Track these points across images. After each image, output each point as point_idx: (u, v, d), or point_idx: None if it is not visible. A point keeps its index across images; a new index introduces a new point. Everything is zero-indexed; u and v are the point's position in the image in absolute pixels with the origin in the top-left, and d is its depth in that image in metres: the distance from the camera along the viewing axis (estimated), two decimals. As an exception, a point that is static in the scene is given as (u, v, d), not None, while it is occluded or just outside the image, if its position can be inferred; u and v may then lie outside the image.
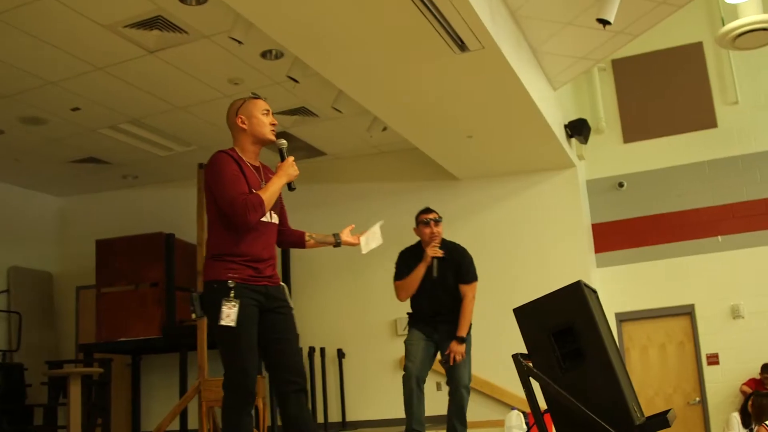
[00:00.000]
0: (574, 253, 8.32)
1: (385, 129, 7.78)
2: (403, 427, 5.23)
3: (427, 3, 4.83)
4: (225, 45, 6.06)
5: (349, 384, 8.62)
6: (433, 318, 5.40)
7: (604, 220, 8.78)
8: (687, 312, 8.34)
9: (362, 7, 4.92)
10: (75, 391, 6.75)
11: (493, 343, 8.15)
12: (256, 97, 3.76)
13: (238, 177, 3.43)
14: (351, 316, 8.82)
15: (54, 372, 7.79)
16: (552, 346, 3.13)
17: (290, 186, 3.57)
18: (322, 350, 8.65)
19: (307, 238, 3.89)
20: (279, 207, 3.74)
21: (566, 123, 8.20)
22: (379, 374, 8.52)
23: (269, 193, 3.44)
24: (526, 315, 3.27)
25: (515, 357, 3.11)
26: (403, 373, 5.25)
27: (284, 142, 3.65)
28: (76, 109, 7.12)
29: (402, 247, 5.53)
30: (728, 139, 8.51)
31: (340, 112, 7.02)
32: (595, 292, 3.51)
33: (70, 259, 9.89)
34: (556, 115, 7.64)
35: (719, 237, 8.34)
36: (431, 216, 5.39)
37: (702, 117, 8.67)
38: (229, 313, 3.33)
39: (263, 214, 3.43)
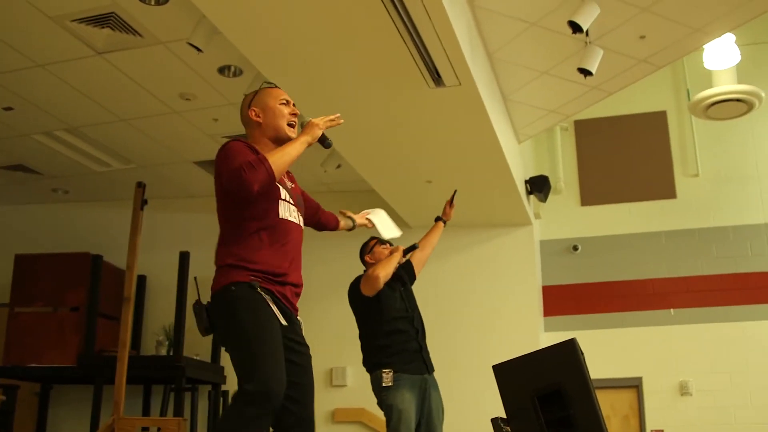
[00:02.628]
0: (523, 314, 8.01)
1: (339, 166, 7.40)
2: None
3: (409, 28, 4.49)
4: (181, 54, 5.61)
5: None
6: (419, 344, 4.83)
7: (555, 283, 8.50)
8: (634, 385, 8.05)
9: (341, 26, 4.58)
10: (-28, 418, 6.08)
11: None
12: (272, 85, 3.23)
13: (249, 154, 2.84)
14: (343, 338, 8.27)
15: (-50, 395, 7.09)
16: (536, 411, 2.71)
17: (325, 142, 3.05)
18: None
19: (341, 220, 3.75)
20: (304, 204, 3.25)
21: (527, 179, 7.95)
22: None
23: (280, 150, 2.85)
24: (507, 373, 2.86)
25: (494, 421, 2.69)
26: None
27: (306, 117, 3.10)
28: (8, 108, 6.53)
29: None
30: (687, 211, 8.35)
31: (295, 140, 6.60)
32: (583, 354, 3.12)
33: (-16, 274, 9.16)
34: (518, 169, 7.37)
35: (672, 310, 8.12)
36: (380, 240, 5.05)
37: (662, 186, 8.52)
38: (277, 311, 2.78)
39: (267, 176, 2.76)
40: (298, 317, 3.02)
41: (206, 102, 6.34)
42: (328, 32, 4.65)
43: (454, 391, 7.76)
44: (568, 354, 2.78)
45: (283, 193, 3.03)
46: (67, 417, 8.39)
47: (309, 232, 3.40)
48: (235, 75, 5.95)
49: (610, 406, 8.11)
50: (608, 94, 6.58)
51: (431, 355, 4.95)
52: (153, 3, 4.98)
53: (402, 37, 4.58)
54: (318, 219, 3.57)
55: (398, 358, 4.65)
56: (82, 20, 5.18)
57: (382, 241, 5.09)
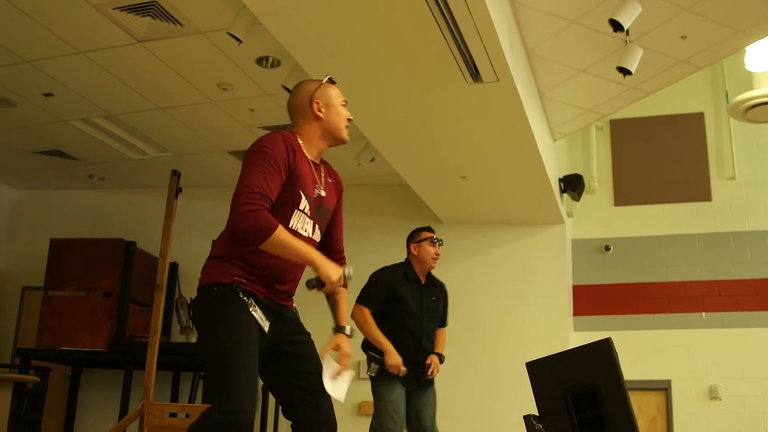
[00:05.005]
0: (553, 313, 7.98)
1: (373, 160, 7.40)
2: None
3: (449, 23, 4.47)
4: (219, 44, 5.64)
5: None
6: (418, 359, 4.87)
7: (586, 283, 8.45)
8: (663, 387, 7.97)
9: (382, 21, 4.57)
10: (4, 399, 6.15)
11: (459, 395, 7.76)
12: (333, 81, 3.06)
13: (276, 169, 2.66)
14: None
15: (-17, 375, 7.17)
16: (569, 410, 2.70)
17: (310, 284, 2.69)
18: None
19: (337, 297, 3.05)
20: (327, 220, 2.98)
21: (561, 177, 7.90)
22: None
23: (291, 243, 2.59)
24: (540, 371, 2.84)
25: (527, 418, 2.68)
26: None
27: (351, 271, 2.81)
28: (48, 94, 6.61)
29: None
30: (722, 215, 8.25)
31: (331, 133, 6.60)
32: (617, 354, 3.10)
33: (20, 257, 9.29)
34: (552, 167, 7.33)
35: (703, 313, 8.03)
36: (437, 236, 5.06)
37: (697, 189, 8.42)
38: (260, 316, 2.61)
39: (256, 244, 2.56)
40: (293, 306, 2.90)
41: (243, 92, 6.37)
42: (367, 25, 4.64)
43: (483, 388, 7.79)
44: (603, 353, 2.76)
45: (303, 204, 2.81)
46: (97, 400, 8.48)
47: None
48: (272, 66, 5.97)
49: (638, 408, 7.98)
50: (646, 94, 6.52)
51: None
52: (194, -8, 5.01)
53: (441, 31, 4.56)
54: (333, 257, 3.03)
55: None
56: (123, 8, 5.23)
57: (434, 240, 5.11)
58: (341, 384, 2.91)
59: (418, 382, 4.85)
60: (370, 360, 4.74)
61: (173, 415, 7.51)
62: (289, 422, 2.85)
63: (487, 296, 8.12)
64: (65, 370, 8.51)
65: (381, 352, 4.69)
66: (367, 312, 4.77)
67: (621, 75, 5.47)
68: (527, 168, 6.70)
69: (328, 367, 2.88)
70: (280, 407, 2.80)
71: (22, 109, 6.98)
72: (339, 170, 8.72)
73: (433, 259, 5.02)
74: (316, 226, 2.87)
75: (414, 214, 8.37)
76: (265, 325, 2.66)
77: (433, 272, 5.21)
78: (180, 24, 5.40)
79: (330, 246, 3.03)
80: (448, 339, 7.80)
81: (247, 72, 6.07)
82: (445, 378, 7.78)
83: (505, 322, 7.97)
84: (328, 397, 2.81)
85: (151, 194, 8.77)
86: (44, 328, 7.99)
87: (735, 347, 7.84)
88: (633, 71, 5.42)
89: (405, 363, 4.70)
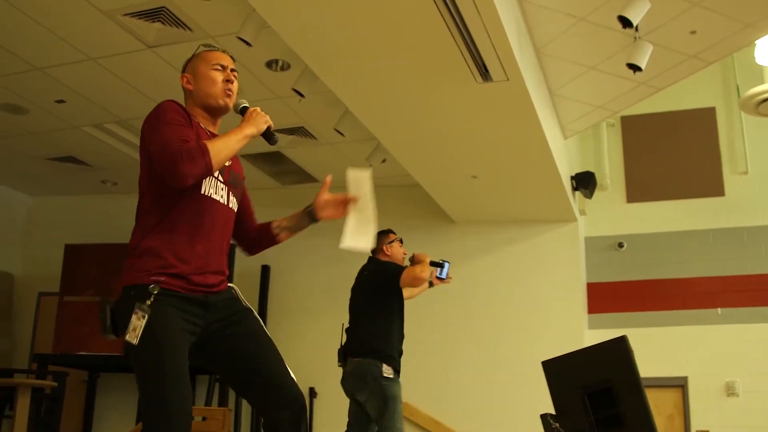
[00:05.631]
0: (568, 311, 7.95)
1: (384, 161, 7.40)
2: None
3: (458, 23, 4.48)
4: (229, 48, 5.54)
5: (320, 426, 8.08)
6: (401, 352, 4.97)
7: (600, 280, 8.42)
8: (679, 384, 7.94)
9: (391, 22, 4.57)
10: (23, 404, 6.21)
11: (475, 394, 7.76)
12: (211, 48, 2.82)
13: (183, 125, 2.50)
14: (325, 352, 8.34)
15: (2, 381, 7.22)
16: (586, 408, 2.70)
17: (269, 136, 2.62)
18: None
19: (275, 230, 2.83)
20: (241, 190, 2.76)
21: (573, 175, 7.88)
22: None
23: (222, 141, 2.47)
24: (556, 369, 2.84)
25: (544, 417, 2.68)
26: None
27: (243, 100, 2.73)
28: (60, 101, 6.66)
29: None
30: (735, 210, 8.20)
31: (342, 135, 6.61)
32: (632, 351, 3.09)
33: (35, 263, 9.35)
34: (564, 165, 7.31)
35: (719, 309, 7.99)
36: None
37: (709, 184, 8.38)
38: (136, 326, 2.35)
39: (205, 170, 2.42)
40: (230, 285, 2.65)
41: (253, 95, 6.38)
42: (376, 27, 4.65)
43: (499, 387, 7.78)
44: (618, 351, 2.76)
45: None
46: (113, 405, 8.51)
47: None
48: (282, 69, 5.99)
49: (654, 405, 7.90)
50: (657, 90, 6.49)
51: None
52: (203, -3, 5.03)
53: (450, 31, 4.57)
54: (249, 231, 2.90)
55: (396, 360, 4.82)
56: (133, 14, 5.26)
57: (401, 241, 5.22)
58: (363, 230, 2.79)
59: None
60: (380, 363, 4.74)
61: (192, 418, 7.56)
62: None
63: (500, 295, 8.11)
64: (82, 374, 8.55)
65: (390, 359, 4.77)
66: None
67: (631, 71, 5.46)
68: (539, 166, 6.69)
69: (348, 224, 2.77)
70: (241, 396, 2.63)
71: (34, 116, 7.03)
72: (350, 171, 8.63)
73: (403, 258, 5.15)
74: (230, 193, 2.67)
75: (426, 214, 8.38)
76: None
77: (450, 269, 5.39)
78: (189, 29, 5.42)
79: (247, 221, 2.87)
80: (462, 338, 7.83)
81: (257, 75, 6.09)
82: (460, 378, 7.83)
83: (519, 320, 7.95)
84: (284, 369, 2.61)
85: (164, 199, 8.79)
86: (61, 334, 8.04)
87: (752, 343, 7.79)
88: (643, 67, 5.40)
89: (398, 356, 4.85)
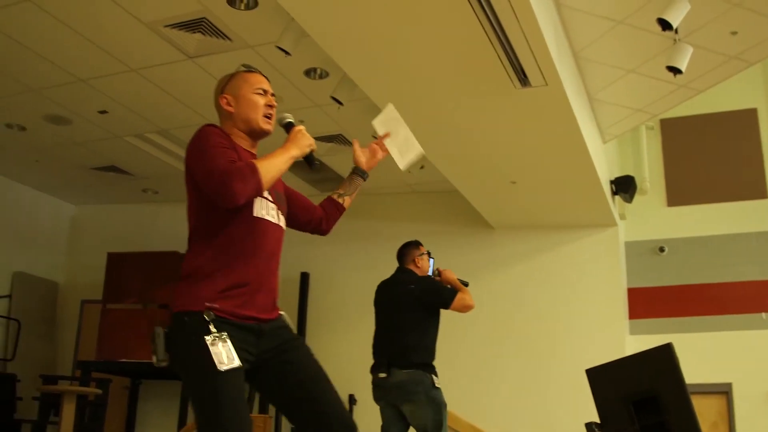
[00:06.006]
0: (609, 316, 7.87)
1: (422, 167, 7.41)
2: None
3: (496, 29, 4.47)
4: (268, 57, 5.72)
5: (361, 433, 8.10)
6: None
7: (641, 285, 8.33)
8: (723, 391, 7.82)
9: (429, 28, 4.59)
10: (68, 410, 6.31)
11: (518, 402, 7.71)
12: (251, 70, 2.80)
13: (227, 148, 2.50)
14: (365, 358, 8.36)
15: (48, 388, 7.35)
16: (631, 416, 2.68)
17: (311, 161, 2.63)
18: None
19: (339, 199, 2.93)
20: (285, 207, 2.77)
21: (612, 179, 7.82)
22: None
23: (270, 161, 2.48)
24: (601, 378, 2.82)
25: (589, 426, 2.66)
26: None
27: (288, 114, 2.74)
28: (103, 111, 6.77)
29: None
30: (779, 212, 8.08)
31: (380, 142, 6.62)
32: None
33: (79, 270, 9.50)
34: (603, 169, 7.26)
35: (763, 314, 7.86)
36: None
37: (752, 186, 8.25)
38: (220, 352, 2.34)
39: (256, 189, 2.42)
40: (279, 314, 2.64)
41: (292, 104, 6.42)
42: (414, 34, 4.66)
43: (541, 394, 7.72)
44: (664, 359, 2.73)
45: None
46: (156, 411, 8.61)
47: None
48: (321, 77, 6.03)
49: (698, 413, 7.70)
50: (697, 92, 6.42)
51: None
52: (243, 7, 5.09)
53: (489, 37, 4.56)
54: (316, 216, 2.95)
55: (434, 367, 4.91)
56: (174, 26, 5.34)
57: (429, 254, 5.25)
58: (407, 146, 2.92)
59: None
60: (430, 375, 4.81)
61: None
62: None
63: (539, 301, 8.05)
64: (124, 381, 8.66)
65: (434, 369, 4.87)
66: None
67: (671, 74, 5.40)
68: (578, 171, 6.65)
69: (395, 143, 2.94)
70: (291, 423, 2.62)
71: (77, 127, 7.15)
72: (389, 178, 8.80)
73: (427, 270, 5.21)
74: (279, 211, 2.67)
75: (465, 220, 8.37)
76: (235, 360, 2.39)
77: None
78: (229, 39, 5.48)
79: (311, 210, 2.91)
80: (502, 344, 7.78)
81: (295, 84, 6.14)
82: (501, 385, 7.78)
83: (560, 326, 7.89)
84: (336, 398, 2.60)
85: (204, 207, 8.88)
86: (104, 341, 8.15)
87: (798, 348, 7.67)
88: (683, 70, 5.35)
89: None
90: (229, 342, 2.37)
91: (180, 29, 5.37)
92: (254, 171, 2.41)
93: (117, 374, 8.34)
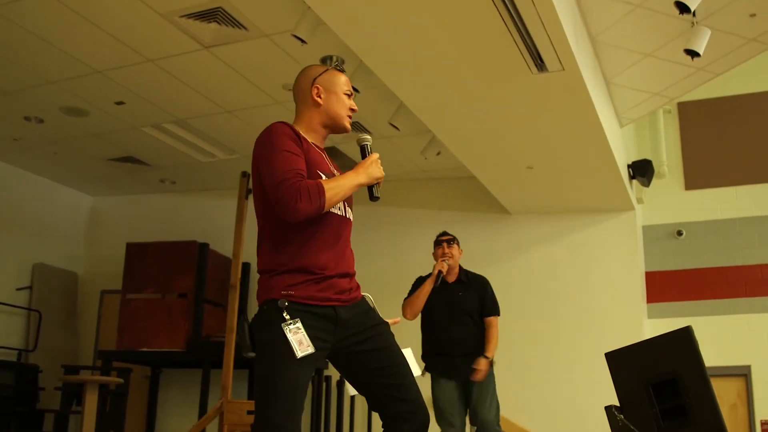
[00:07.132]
0: (627, 300, 7.87)
1: (439, 153, 7.40)
2: None
3: (512, 13, 4.46)
4: (284, 46, 5.72)
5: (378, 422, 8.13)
6: (452, 350, 5.11)
7: (659, 269, 8.31)
8: (742, 373, 7.80)
9: (445, 14, 4.56)
10: (91, 400, 6.35)
11: (537, 386, 7.72)
12: (342, 70, 2.91)
13: (295, 153, 2.56)
14: None
15: (70, 378, 7.41)
16: (651, 399, 2.68)
17: (372, 193, 2.67)
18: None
19: None
20: (352, 199, 2.83)
21: (629, 163, 7.79)
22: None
23: (337, 184, 2.54)
24: (620, 361, 2.82)
25: (608, 409, 2.67)
26: None
27: (368, 137, 2.81)
28: (120, 102, 6.80)
29: None
30: (798, 195, 8.03)
31: (397, 129, 6.63)
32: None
33: (98, 261, 9.57)
34: (620, 153, 7.23)
35: (782, 297, 7.83)
36: (444, 237, 5.34)
37: (770, 169, 8.21)
38: (290, 340, 2.43)
39: (318, 210, 2.49)
40: (362, 296, 2.75)
41: (308, 92, 6.43)
42: (430, 20, 4.65)
43: (560, 378, 7.73)
44: (683, 342, 2.73)
45: None
46: (176, 399, 8.68)
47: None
48: (337, 65, 6.02)
49: (718, 395, 7.71)
50: (715, 75, 6.39)
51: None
52: (258, -4, 5.09)
53: (505, 22, 4.55)
54: None
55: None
56: (190, 15, 5.34)
57: (450, 242, 5.35)
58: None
59: (456, 365, 5.16)
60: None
61: (251, 412, 7.65)
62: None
63: (558, 286, 8.07)
64: (145, 370, 8.74)
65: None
66: (405, 300, 5.34)
67: (689, 57, 5.38)
68: (595, 155, 6.63)
69: None
70: (369, 405, 2.72)
71: (94, 118, 7.19)
72: (405, 165, 8.78)
73: (441, 257, 5.35)
74: (346, 204, 2.73)
75: (482, 205, 8.37)
76: (308, 347, 2.49)
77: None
78: (245, 28, 5.49)
79: None
80: (520, 329, 7.77)
81: (311, 72, 6.13)
82: (521, 369, 7.79)
83: (578, 311, 7.90)
84: (416, 387, 2.66)
85: (222, 196, 8.94)
86: (123, 330, 8.22)
87: (817, 330, 7.64)
88: (701, 53, 5.32)
89: (441, 355, 5.22)
90: (302, 330, 2.47)
91: (196, 19, 5.38)
92: (321, 193, 2.48)
93: (137, 363, 8.40)
